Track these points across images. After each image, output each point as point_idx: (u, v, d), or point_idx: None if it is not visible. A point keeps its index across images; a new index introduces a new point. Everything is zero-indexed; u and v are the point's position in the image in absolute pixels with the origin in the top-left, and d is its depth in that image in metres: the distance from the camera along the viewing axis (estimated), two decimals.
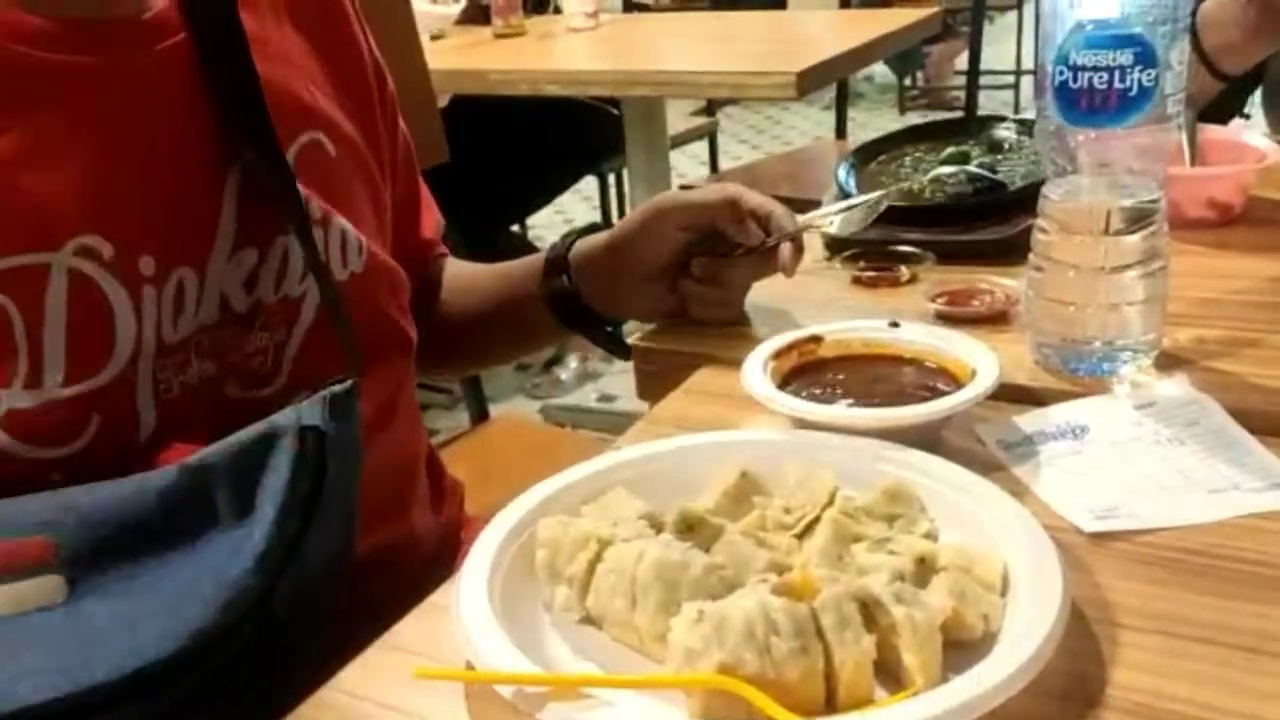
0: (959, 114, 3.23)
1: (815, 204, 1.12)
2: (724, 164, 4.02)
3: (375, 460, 0.74)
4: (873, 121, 5.40)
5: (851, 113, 5.23)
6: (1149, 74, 0.63)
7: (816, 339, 0.74)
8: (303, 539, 0.57)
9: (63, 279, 0.60)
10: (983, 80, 3.09)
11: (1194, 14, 1.09)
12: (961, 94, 3.67)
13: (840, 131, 2.95)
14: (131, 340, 0.62)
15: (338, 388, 0.61)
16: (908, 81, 5.59)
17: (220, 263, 0.67)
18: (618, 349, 0.92)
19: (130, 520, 0.55)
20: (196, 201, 0.66)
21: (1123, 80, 0.63)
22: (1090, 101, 0.64)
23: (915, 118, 5.39)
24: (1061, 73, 0.65)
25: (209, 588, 0.54)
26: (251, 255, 0.68)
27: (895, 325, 0.73)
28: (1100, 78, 0.63)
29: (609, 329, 0.93)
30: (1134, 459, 0.64)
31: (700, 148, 3.66)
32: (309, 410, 0.59)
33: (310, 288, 0.70)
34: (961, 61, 4.23)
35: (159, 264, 0.63)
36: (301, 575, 0.57)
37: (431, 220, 0.95)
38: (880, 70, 5.65)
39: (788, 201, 2.58)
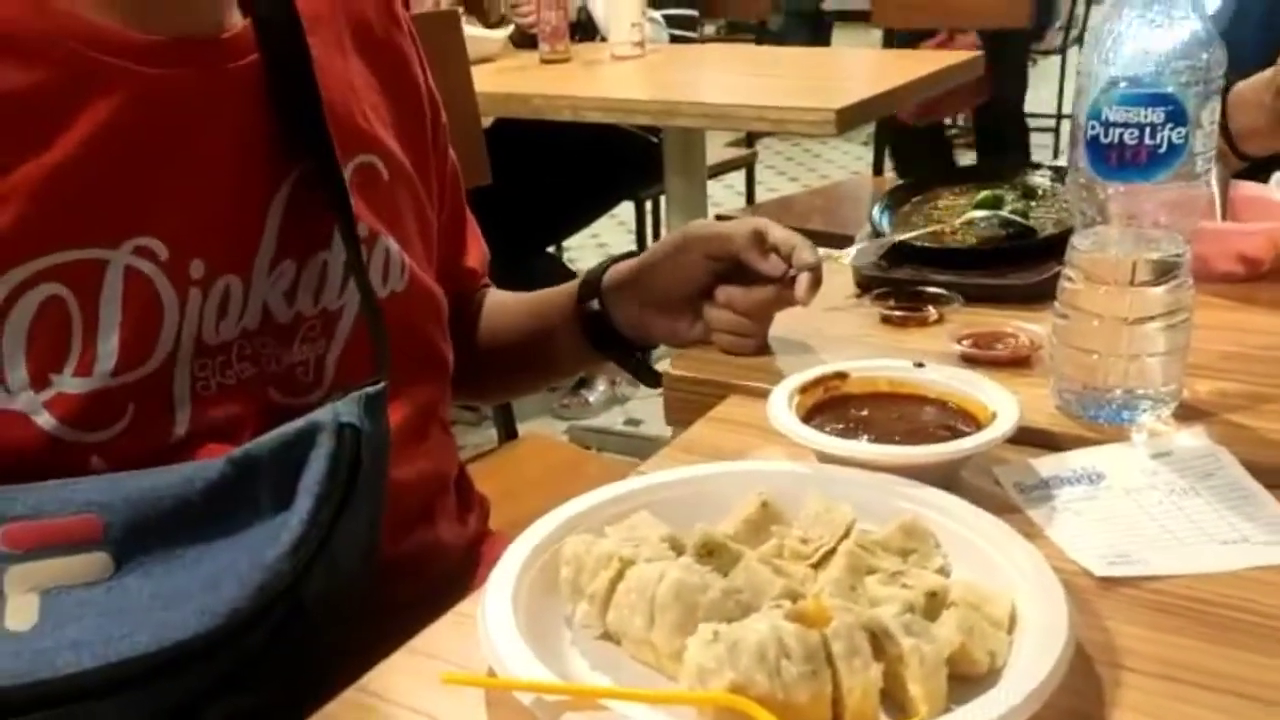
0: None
1: (849, 239, 1.14)
2: (761, 195, 4.04)
3: (407, 473, 0.76)
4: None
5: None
6: (1179, 132, 0.65)
7: (842, 375, 0.75)
8: (334, 529, 0.60)
9: (119, 275, 0.63)
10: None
11: (1228, 88, 1.10)
12: None
13: (878, 168, 2.98)
14: (173, 337, 0.65)
15: (371, 388, 0.64)
16: (948, 121, 5.59)
17: (263, 272, 0.70)
18: (646, 376, 0.95)
19: (176, 505, 0.58)
20: (247, 212, 0.69)
21: (1153, 137, 0.65)
22: (1121, 156, 0.66)
23: (956, 157, 5.41)
24: (1094, 127, 0.66)
25: (246, 570, 0.57)
26: (291, 268, 0.71)
27: (920, 365, 0.75)
28: (1131, 134, 0.65)
29: (639, 356, 0.95)
30: (1148, 507, 0.65)
31: (737, 178, 3.69)
32: (345, 408, 0.62)
33: (348, 302, 0.73)
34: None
35: (208, 269, 0.67)
36: (330, 565, 0.60)
37: (477, 251, 0.98)
38: None
39: (821, 236, 2.62)
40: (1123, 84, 0.65)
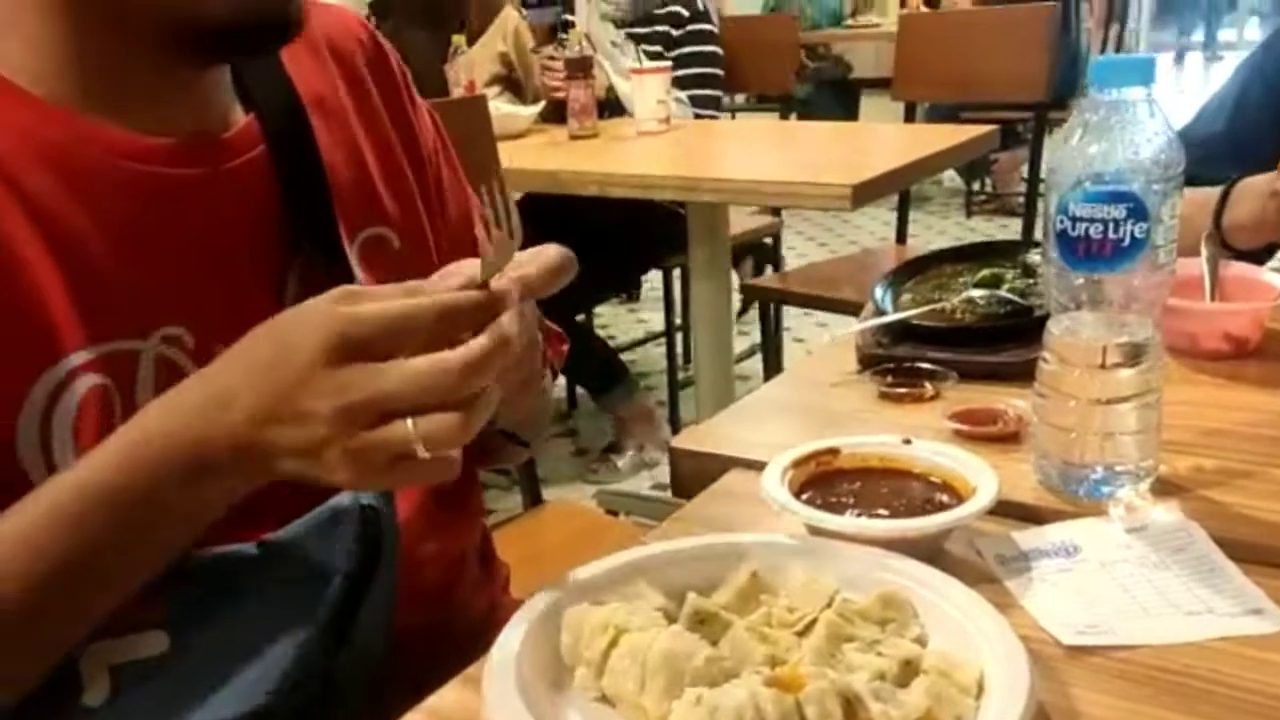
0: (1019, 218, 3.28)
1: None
2: (787, 260, 4.10)
3: (430, 548, 0.81)
4: (938, 224, 5.47)
5: (917, 215, 5.33)
6: (1141, 227, 0.69)
7: (834, 451, 0.80)
8: (359, 605, 0.65)
9: (151, 364, 0.68)
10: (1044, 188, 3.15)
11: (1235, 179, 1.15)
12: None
13: (901, 237, 3.03)
14: None
15: None
16: (975, 186, 5.66)
17: None
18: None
19: (221, 584, 0.63)
20: (264, 296, 0.74)
21: (1116, 232, 0.69)
22: (1087, 249, 0.70)
23: (981, 222, 5.46)
24: (1062, 221, 0.71)
25: (283, 650, 0.62)
26: None
27: (908, 442, 0.79)
28: (1096, 228, 0.70)
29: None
30: (1120, 579, 0.68)
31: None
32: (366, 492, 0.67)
33: None
34: (1028, 169, 4.29)
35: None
36: (355, 639, 0.64)
37: None
38: (948, 174, 5.73)
39: (850, 305, 2.65)
40: (1087, 182, 0.70)
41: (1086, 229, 0.70)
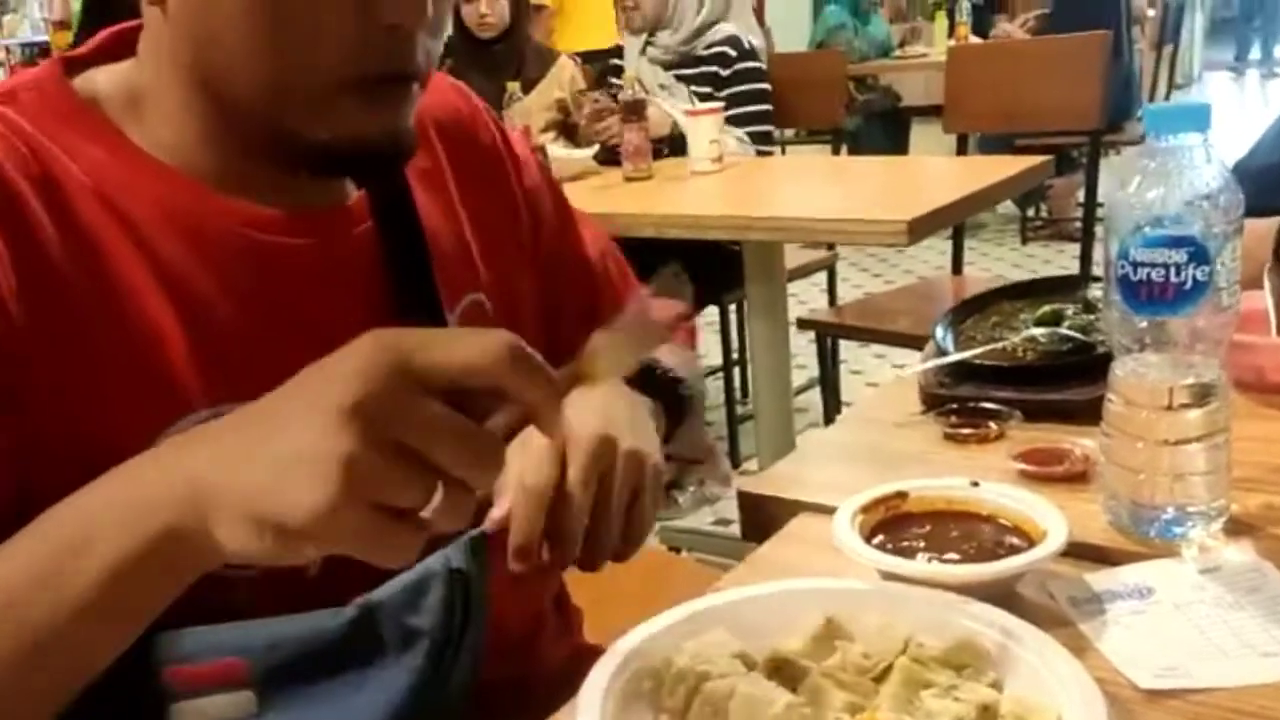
0: (1076, 242, 3.25)
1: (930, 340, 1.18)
2: (844, 292, 4.10)
3: (515, 602, 0.83)
4: (994, 252, 5.43)
5: (973, 243, 5.30)
6: (1203, 270, 0.70)
7: (903, 495, 0.81)
8: (447, 669, 0.67)
9: None
10: (1100, 213, 3.14)
11: None
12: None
13: (956, 268, 3.02)
14: None
15: (474, 532, 0.70)
16: (1030, 212, 5.62)
17: None
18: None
19: (311, 648, 0.66)
20: None
21: (1178, 275, 0.70)
22: (1149, 293, 0.71)
23: (1038, 248, 5.41)
24: (1123, 266, 0.72)
25: (372, 712, 0.64)
26: None
27: (975, 485, 0.80)
28: (1158, 272, 0.71)
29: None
30: (1195, 621, 0.69)
31: (820, 276, 3.76)
32: (455, 554, 0.69)
33: None
34: (1084, 194, 4.26)
35: None
36: (442, 701, 0.66)
37: None
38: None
39: (906, 338, 2.65)
40: (1146, 227, 0.71)
41: (1148, 273, 0.71)
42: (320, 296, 0.75)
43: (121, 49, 0.76)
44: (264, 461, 0.51)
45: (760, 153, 2.88)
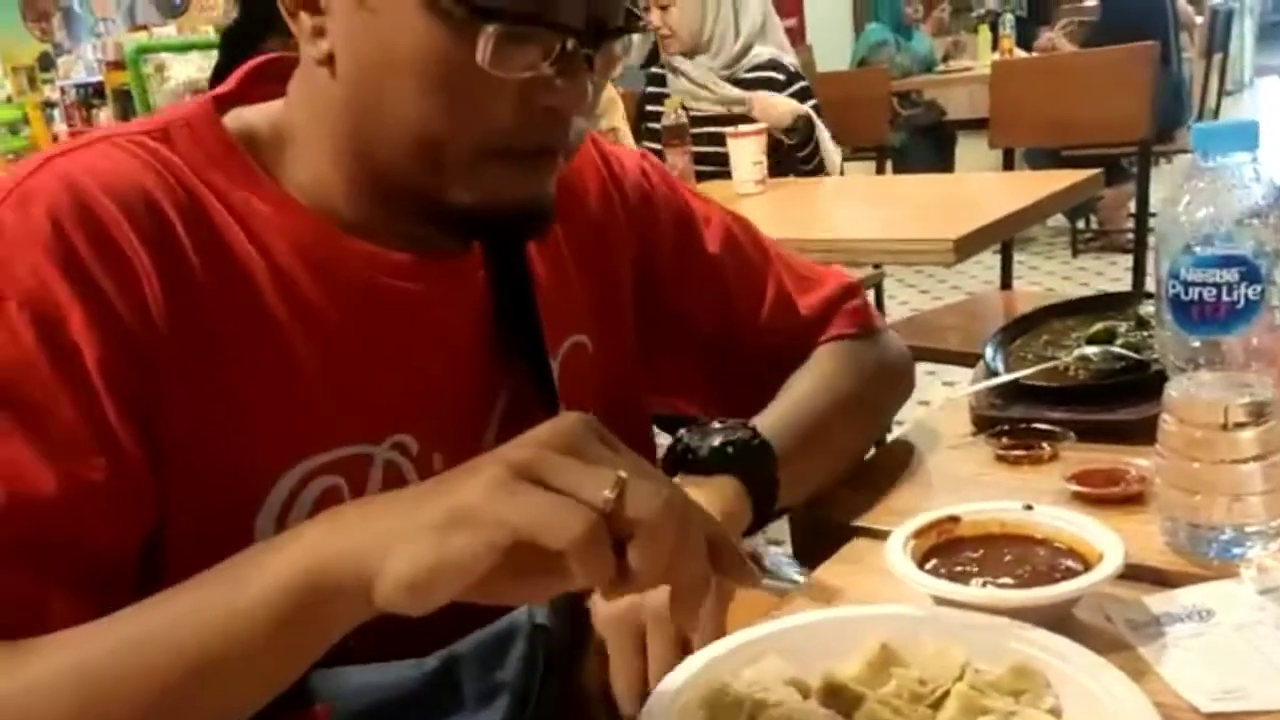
0: (1128, 254, 3.22)
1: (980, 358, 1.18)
2: (891, 309, 4.08)
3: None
4: (1045, 265, 5.38)
5: (1022, 256, 5.25)
6: (1255, 289, 0.70)
7: (955, 519, 0.81)
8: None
9: (380, 469, 0.73)
10: (1152, 224, 3.10)
11: None
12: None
13: (1005, 282, 3.00)
14: None
15: None
16: (1081, 224, 5.56)
17: None
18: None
19: (394, 697, 0.66)
20: (476, 410, 0.79)
21: (1230, 295, 0.70)
22: (1201, 313, 0.71)
23: (1089, 260, 5.35)
24: (1174, 286, 0.72)
25: None
26: None
27: (1029, 508, 0.80)
28: (1209, 292, 0.71)
29: None
30: (1255, 643, 0.68)
31: (869, 292, 3.76)
32: (539, 610, 0.69)
33: None
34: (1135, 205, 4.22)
35: (444, 463, 0.76)
36: None
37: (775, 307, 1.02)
38: None
39: (955, 355, 2.62)
40: (1196, 247, 0.71)
41: (1200, 293, 0.71)
42: (434, 340, 0.77)
43: (264, 83, 0.78)
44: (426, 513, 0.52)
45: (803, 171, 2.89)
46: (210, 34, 5.46)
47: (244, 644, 0.54)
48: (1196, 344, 0.73)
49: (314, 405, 0.70)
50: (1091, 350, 1.11)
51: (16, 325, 0.61)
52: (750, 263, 1.00)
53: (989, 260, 5.28)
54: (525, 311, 0.81)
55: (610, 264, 0.93)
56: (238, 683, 0.56)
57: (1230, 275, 0.70)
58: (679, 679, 0.67)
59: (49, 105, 8.11)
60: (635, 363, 0.94)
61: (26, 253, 0.62)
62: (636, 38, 0.70)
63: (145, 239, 0.65)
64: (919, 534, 0.79)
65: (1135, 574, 0.76)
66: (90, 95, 7.93)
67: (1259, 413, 0.74)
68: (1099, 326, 1.16)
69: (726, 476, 0.82)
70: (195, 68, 4.65)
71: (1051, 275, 5.20)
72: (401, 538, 0.52)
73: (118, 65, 6.22)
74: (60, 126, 7.88)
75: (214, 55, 4.11)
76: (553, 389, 0.81)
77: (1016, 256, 3.42)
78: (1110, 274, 4.99)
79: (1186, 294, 0.71)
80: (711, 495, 0.80)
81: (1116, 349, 1.09)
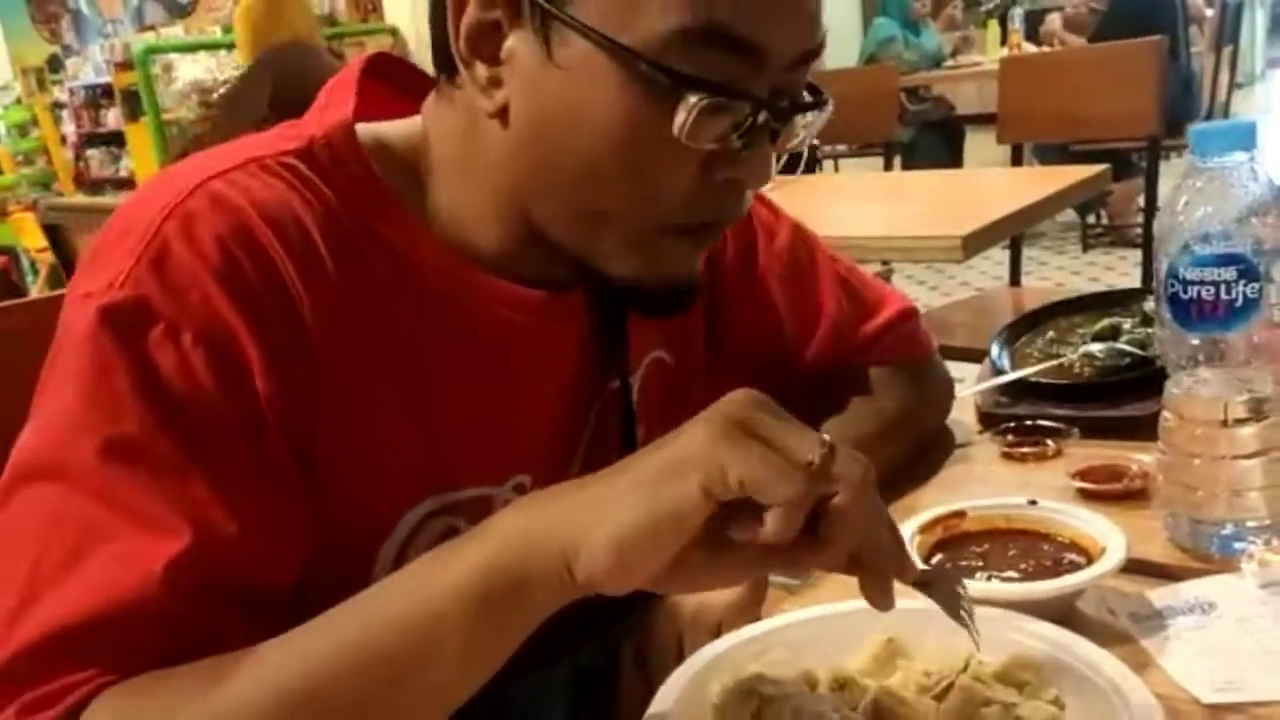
0: (1137, 248, 3.22)
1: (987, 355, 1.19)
2: None
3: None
4: (1054, 260, 5.37)
5: (1031, 251, 5.24)
6: (1253, 287, 0.71)
7: (961, 514, 0.82)
8: None
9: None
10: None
11: None
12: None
13: (1015, 279, 3.00)
14: None
15: (610, 628, 0.71)
16: (1090, 219, 5.55)
17: None
18: None
19: None
20: (574, 439, 0.78)
21: (1228, 293, 0.71)
22: (1200, 311, 0.72)
23: (1099, 255, 5.34)
24: (1173, 285, 0.73)
25: None
26: None
27: (1033, 503, 0.81)
28: (1208, 290, 0.72)
29: None
30: (1256, 635, 0.69)
31: None
32: (587, 653, 0.69)
33: None
34: (1144, 200, 4.22)
35: None
36: None
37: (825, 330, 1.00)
38: None
39: (964, 351, 2.62)
40: (1195, 246, 0.72)
41: (1198, 291, 0.72)
42: (549, 374, 0.76)
43: (375, 84, 0.74)
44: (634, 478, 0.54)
45: (810, 168, 2.90)
46: (218, 34, 5.48)
47: (445, 640, 0.54)
48: (1196, 341, 0.74)
49: (446, 443, 0.69)
50: (1097, 347, 1.12)
51: (192, 358, 0.59)
52: (810, 283, 0.97)
53: (998, 255, 5.28)
54: (619, 334, 0.79)
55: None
56: (440, 680, 0.55)
57: (1229, 274, 0.71)
58: (688, 674, 0.68)
59: (58, 106, 8.15)
60: (705, 377, 0.92)
61: (198, 281, 0.60)
62: (818, 114, 0.68)
63: (300, 269, 0.63)
64: (925, 529, 0.81)
65: (1138, 568, 0.77)
66: (99, 96, 7.96)
67: (1259, 409, 0.75)
68: (1104, 323, 1.17)
69: None
70: (202, 68, 4.68)
71: (1061, 270, 5.19)
72: (608, 501, 0.52)
73: (126, 66, 6.25)
74: (69, 128, 7.93)
75: (221, 55, 4.13)
76: (631, 411, 0.80)
77: (1026, 252, 3.42)
78: (1120, 269, 4.99)
79: (1185, 292, 0.72)
80: None
81: (1121, 345, 1.10)
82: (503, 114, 0.65)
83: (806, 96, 0.67)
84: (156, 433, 0.58)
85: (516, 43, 0.63)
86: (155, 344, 0.59)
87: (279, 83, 2.00)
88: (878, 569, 0.57)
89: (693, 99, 0.60)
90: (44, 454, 0.58)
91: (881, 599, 0.58)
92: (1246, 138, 0.71)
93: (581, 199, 0.66)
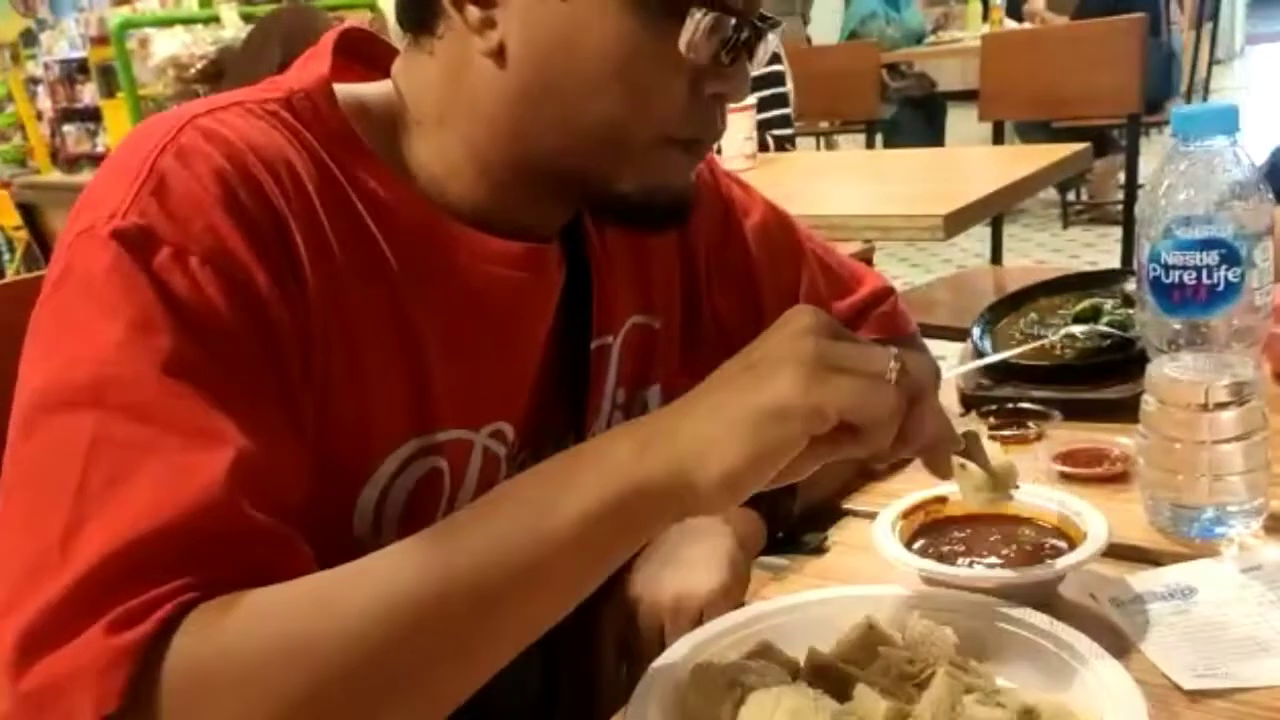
0: (1117, 227, 3.22)
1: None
2: None
3: None
4: (1035, 237, 5.38)
5: (1013, 229, 5.25)
6: (1234, 271, 0.71)
7: (942, 499, 0.82)
8: None
9: (479, 455, 0.74)
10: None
11: None
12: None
13: (996, 256, 3.01)
14: None
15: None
16: (1071, 196, 5.56)
17: (550, 447, 0.80)
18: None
19: None
20: (550, 393, 0.80)
21: (1210, 278, 0.71)
22: (1181, 295, 0.72)
23: (1079, 232, 5.36)
24: (1154, 269, 0.73)
25: None
26: (556, 441, 0.81)
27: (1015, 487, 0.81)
28: (1189, 275, 0.71)
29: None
30: (1237, 620, 0.69)
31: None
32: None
33: None
34: (1125, 177, 4.22)
35: (530, 453, 0.78)
36: None
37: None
38: None
39: (946, 330, 2.61)
40: (1177, 230, 0.72)
41: (1180, 276, 0.72)
42: (528, 328, 0.78)
43: (348, 59, 0.76)
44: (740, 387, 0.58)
45: (783, 149, 2.90)
46: (194, 8, 5.41)
47: (559, 562, 0.56)
48: (1178, 325, 0.74)
49: (429, 386, 0.71)
50: (1078, 328, 1.12)
51: (202, 280, 0.60)
52: (785, 262, 0.99)
53: (980, 233, 5.28)
54: (586, 296, 0.81)
55: (669, 246, 0.93)
56: (547, 597, 0.58)
57: (1210, 258, 0.70)
58: (670, 663, 0.68)
59: (33, 82, 8.06)
60: (682, 346, 0.94)
61: (201, 208, 0.61)
62: (776, 33, 0.73)
63: (291, 205, 0.65)
64: (907, 514, 0.81)
65: (1119, 552, 0.77)
66: (74, 71, 7.87)
67: (1239, 393, 0.75)
68: (1085, 304, 1.17)
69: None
70: (179, 43, 4.61)
71: (1042, 247, 5.20)
72: (716, 440, 0.56)
73: (102, 40, 6.17)
74: (45, 103, 7.84)
75: (198, 29, 4.08)
76: (587, 376, 0.82)
77: (1007, 229, 3.43)
78: (1101, 245, 5.00)
79: (1167, 276, 0.72)
80: (734, 521, 0.85)
81: (1102, 327, 1.10)
82: (498, 54, 0.69)
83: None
84: (188, 347, 0.58)
85: None
86: (164, 267, 0.59)
87: (287, 45, 1.99)
88: (940, 449, 0.65)
89: (698, 15, 0.66)
90: (70, 384, 0.57)
91: (946, 470, 0.67)
92: (1229, 121, 0.71)
93: (585, 122, 0.69)
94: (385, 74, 0.76)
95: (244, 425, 0.58)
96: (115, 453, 0.55)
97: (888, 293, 1.05)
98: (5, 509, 0.56)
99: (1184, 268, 0.71)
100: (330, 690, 0.52)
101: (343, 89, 0.73)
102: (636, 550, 0.61)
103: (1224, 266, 0.70)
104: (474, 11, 0.68)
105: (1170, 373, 0.76)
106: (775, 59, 2.96)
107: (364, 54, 0.78)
